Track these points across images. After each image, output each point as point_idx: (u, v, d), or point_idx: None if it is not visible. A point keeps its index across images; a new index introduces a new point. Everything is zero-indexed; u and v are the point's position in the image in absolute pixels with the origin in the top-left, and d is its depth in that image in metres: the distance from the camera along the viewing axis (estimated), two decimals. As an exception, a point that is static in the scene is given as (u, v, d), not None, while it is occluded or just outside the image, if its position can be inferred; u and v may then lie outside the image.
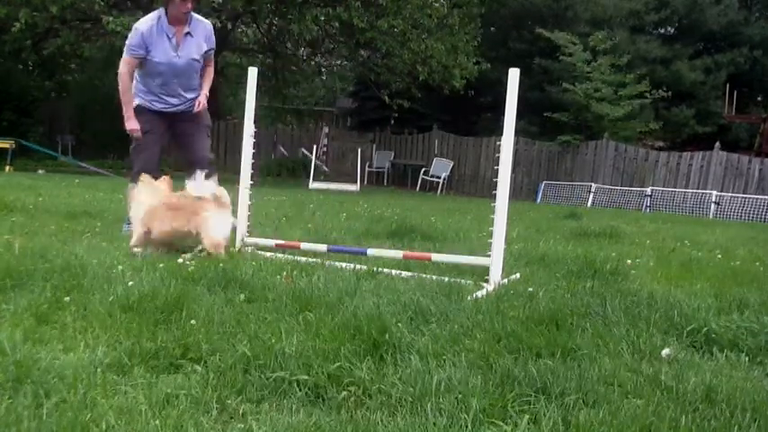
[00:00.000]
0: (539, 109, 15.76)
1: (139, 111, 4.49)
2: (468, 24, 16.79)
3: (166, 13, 4.38)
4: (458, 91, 16.17)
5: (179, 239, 3.71)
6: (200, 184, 3.68)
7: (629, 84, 15.63)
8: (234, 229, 3.87)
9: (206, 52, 4.54)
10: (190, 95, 4.55)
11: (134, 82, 4.53)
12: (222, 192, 3.72)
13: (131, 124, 4.44)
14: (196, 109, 4.51)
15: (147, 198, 3.73)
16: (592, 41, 16.24)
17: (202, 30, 4.51)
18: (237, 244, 3.86)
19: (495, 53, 18.49)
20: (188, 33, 4.44)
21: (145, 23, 4.41)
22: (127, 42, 4.45)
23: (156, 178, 4.02)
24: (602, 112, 15.27)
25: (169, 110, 4.54)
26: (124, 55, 4.44)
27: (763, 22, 20.26)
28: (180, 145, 4.70)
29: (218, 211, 3.63)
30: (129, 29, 4.57)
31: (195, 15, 4.51)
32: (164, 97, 4.51)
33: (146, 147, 4.53)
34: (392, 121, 18.35)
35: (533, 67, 17.02)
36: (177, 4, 4.29)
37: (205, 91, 4.58)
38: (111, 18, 12.25)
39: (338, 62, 21.41)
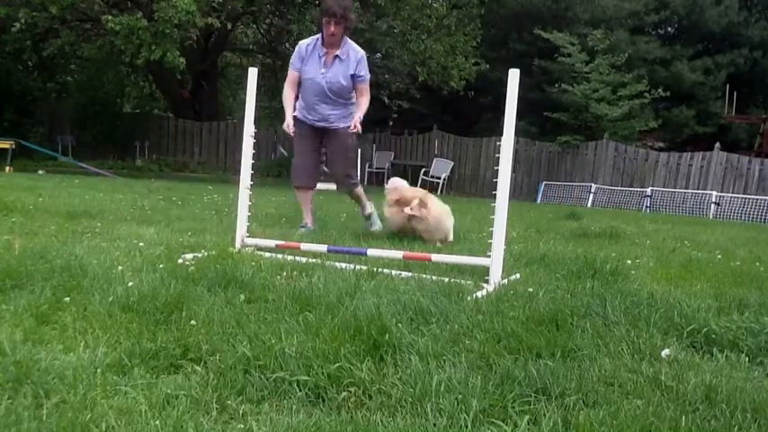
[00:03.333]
0: (539, 109, 15.75)
1: (296, 122, 4.95)
2: (467, 25, 16.79)
3: (323, 35, 4.82)
4: (457, 91, 16.16)
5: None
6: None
7: (627, 83, 15.63)
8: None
9: (352, 77, 4.86)
10: (334, 113, 4.93)
11: (298, 100, 5.01)
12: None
13: (286, 121, 4.92)
14: (351, 130, 4.81)
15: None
16: (590, 41, 16.24)
17: (353, 56, 4.87)
18: (237, 244, 3.86)
19: (496, 54, 18.48)
20: (337, 57, 4.83)
21: (306, 41, 4.97)
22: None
23: (308, 184, 5.13)
24: (601, 112, 15.27)
25: (318, 123, 4.97)
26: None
27: (763, 23, 20.24)
28: (327, 162, 5.27)
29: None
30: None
31: (351, 43, 4.92)
32: (312, 110, 4.95)
33: (297, 155, 5.20)
34: (392, 122, 18.33)
35: (533, 68, 17.02)
36: (324, 27, 4.77)
37: (359, 114, 4.83)
38: (110, 18, 12.24)
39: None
